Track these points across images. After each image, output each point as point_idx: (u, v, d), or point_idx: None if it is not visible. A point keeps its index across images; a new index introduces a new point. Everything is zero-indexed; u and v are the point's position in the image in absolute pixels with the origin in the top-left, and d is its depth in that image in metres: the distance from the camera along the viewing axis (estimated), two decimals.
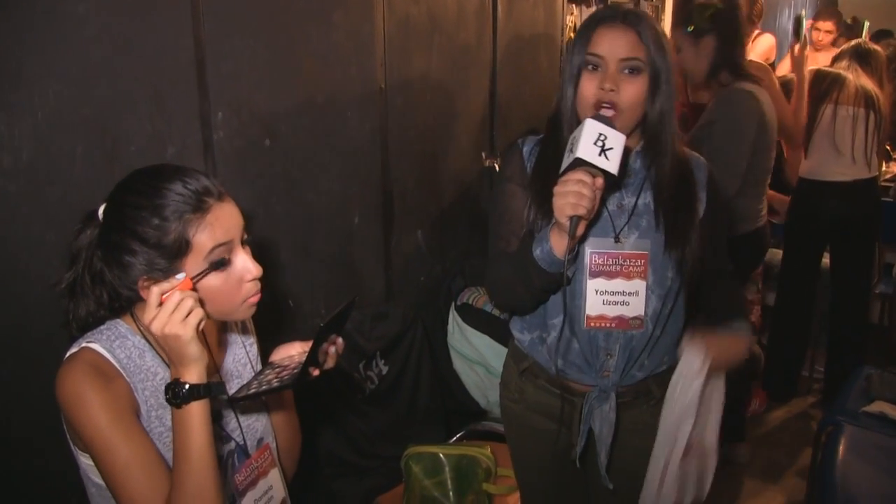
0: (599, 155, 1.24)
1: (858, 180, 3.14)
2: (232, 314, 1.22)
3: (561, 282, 1.37)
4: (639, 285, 1.44)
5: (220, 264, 1.15)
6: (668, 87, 1.41)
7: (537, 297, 1.44)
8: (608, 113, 1.36)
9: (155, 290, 1.08)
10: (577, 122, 1.38)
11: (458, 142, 2.71)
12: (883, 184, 3.43)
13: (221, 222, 1.15)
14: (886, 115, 3.17)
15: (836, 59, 3.35)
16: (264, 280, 1.23)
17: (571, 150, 1.27)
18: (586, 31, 1.42)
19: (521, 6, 3.02)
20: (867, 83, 3.14)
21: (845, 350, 3.33)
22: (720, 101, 2.44)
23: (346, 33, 2.09)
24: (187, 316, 1.07)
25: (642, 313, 1.44)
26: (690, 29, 2.49)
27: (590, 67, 1.40)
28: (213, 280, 1.15)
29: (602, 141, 1.24)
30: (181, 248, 1.12)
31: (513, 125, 2.99)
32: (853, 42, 3.36)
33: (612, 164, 1.25)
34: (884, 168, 3.59)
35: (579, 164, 1.25)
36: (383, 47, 2.24)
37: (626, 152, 1.30)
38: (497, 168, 2.80)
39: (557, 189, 1.27)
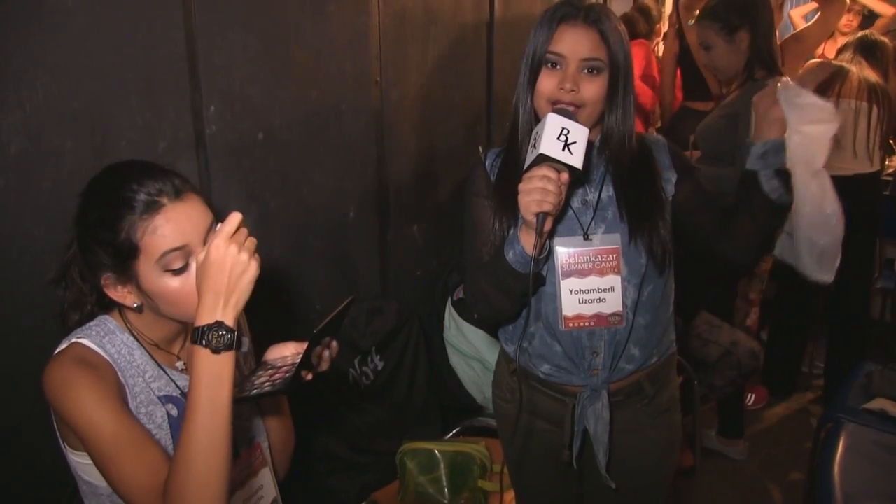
0: (563, 150, 1.22)
1: (860, 174, 3.11)
2: (191, 319, 1.16)
3: (539, 282, 1.35)
4: (613, 280, 1.42)
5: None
6: (626, 84, 1.39)
7: (517, 301, 1.42)
8: (569, 110, 1.34)
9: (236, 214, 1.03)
10: (537, 122, 1.37)
11: (454, 135, 2.69)
12: (885, 178, 3.40)
13: (175, 225, 1.09)
14: (890, 108, 3.14)
15: (840, 51, 3.32)
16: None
17: (534, 146, 1.25)
18: (546, 27, 1.38)
19: None
20: (871, 76, 3.11)
21: (845, 346, 3.31)
22: (747, 95, 2.35)
23: (341, 25, 2.07)
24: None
25: (620, 308, 1.42)
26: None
27: (549, 65, 1.38)
28: (172, 282, 1.11)
29: (565, 135, 1.22)
30: (130, 251, 1.09)
31: (510, 118, 2.96)
32: (859, 34, 3.33)
33: (576, 159, 1.23)
34: (887, 162, 3.56)
35: (543, 159, 1.23)
36: (378, 40, 2.22)
37: (590, 148, 1.28)
38: None
39: (522, 186, 1.25)
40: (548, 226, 1.25)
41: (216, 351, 1.00)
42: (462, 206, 1.54)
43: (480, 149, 2.82)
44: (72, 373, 1.08)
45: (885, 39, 3.30)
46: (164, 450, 1.14)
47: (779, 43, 3.33)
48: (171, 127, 1.65)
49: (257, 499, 1.32)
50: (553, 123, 1.23)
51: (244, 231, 1.03)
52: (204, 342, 1.00)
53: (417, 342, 2.41)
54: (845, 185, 3.08)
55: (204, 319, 1.01)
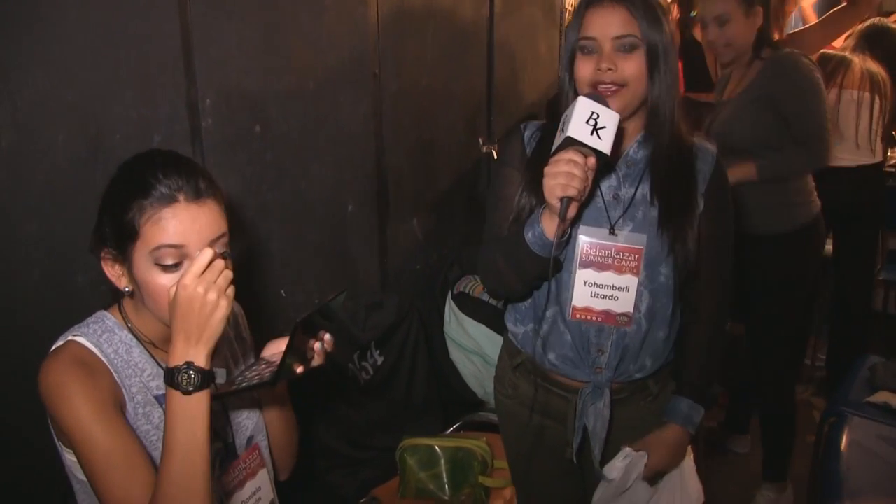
0: (591, 134, 1.20)
1: (862, 166, 3.09)
2: (166, 319, 1.15)
3: (556, 268, 1.33)
4: (630, 281, 1.39)
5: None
6: (666, 62, 1.35)
7: (529, 283, 1.41)
8: (610, 90, 1.32)
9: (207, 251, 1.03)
10: None
11: (454, 128, 2.67)
12: (887, 169, 3.37)
13: (179, 224, 1.08)
14: (892, 99, 3.11)
15: (846, 40, 3.28)
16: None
17: (563, 130, 1.23)
18: (577, 15, 1.39)
19: None
20: (874, 67, 3.08)
21: (848, 338, 3.29)
22: (777, 68, 2.30)
23: (339, 16, 2.05)
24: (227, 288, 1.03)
25: (631, 310, 1.40)
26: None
27: (584, 51, 1.36)
28: (159, 278, 1.09)
29: (595, 119, 1.20)
30: (130, 234, 1.08)
31: (510, 111, 2.95)
32: (867, 22, 3.28)
33: (604, 144, 1.20)
34: (889, 153, 3.53)
35: (570, 143, 1.21)
36: (377, 31, 2.19)
37: (621, 135, 1.26)
38: (495, 154, 2.76)
39: (548, 169, 1.23)
40: (572, 212, 1.23)
41: (186, 392, 1.01)
42: (488, 179, 1.52)
43: (481, 141, 2.80)
44: (68, 377, 1.06)
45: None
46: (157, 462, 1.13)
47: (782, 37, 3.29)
48: (166, 120, 1.62)
49: (255, 500, 1.30)
50: (583, 107, 1.21)
51: (217, 267, 1.03)
52: (174, 384, 1.01)
53: (417, 337, 2.39)
54: (848, 177, 3.09)
55: (175, 360, 1.02)
